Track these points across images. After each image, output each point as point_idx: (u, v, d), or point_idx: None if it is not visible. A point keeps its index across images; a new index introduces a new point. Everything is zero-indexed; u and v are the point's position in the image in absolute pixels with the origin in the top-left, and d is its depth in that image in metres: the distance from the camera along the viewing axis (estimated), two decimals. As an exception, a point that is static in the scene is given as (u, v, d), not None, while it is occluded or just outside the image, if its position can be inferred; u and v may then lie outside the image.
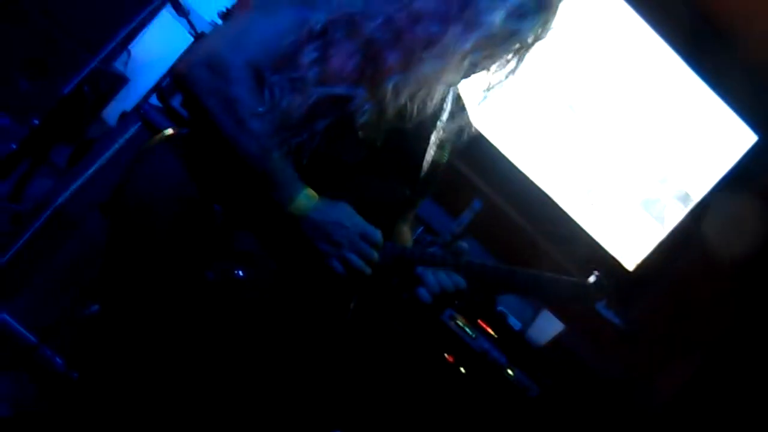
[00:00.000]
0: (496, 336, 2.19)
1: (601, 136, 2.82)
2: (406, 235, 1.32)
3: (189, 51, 1.09)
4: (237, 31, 1.09)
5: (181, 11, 2.47)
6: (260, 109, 1.03)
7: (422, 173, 1.20)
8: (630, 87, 2.79)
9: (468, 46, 1.01)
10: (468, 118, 1.23)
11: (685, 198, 2.88)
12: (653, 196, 2.88)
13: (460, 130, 1.21)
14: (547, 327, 2.44)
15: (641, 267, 2.90)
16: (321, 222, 1.06)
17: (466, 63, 1.04)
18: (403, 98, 1.04)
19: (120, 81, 3.84)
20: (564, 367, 2.27)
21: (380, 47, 1.02)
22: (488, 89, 1.13)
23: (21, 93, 3.28)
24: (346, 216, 1.08)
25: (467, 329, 2.14)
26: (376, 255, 1.10)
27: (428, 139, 1.19)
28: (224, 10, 2.28)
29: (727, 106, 2.75)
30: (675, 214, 2.87)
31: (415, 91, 1.04)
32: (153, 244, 1.06)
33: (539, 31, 1.07)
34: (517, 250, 2.92)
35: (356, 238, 1.08)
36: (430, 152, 1.20)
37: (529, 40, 1.07)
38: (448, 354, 2.08)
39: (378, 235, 1.10)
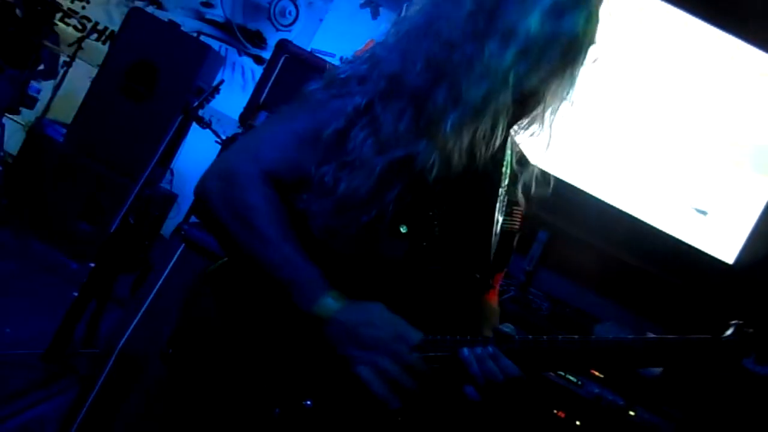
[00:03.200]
0: (602, 376, 1.98)
1: (654, 131, 2.62)
2: (493, 319, 1.14)
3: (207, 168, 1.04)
4: (251, 140, 1.06)
5: (203, 123, 2.52)
6: (279, 215, 0.97)
7: (492, 250, 1.07)
8: (679, 75, 2.61)
9: (509, 58, 0.92)
10: (533, 175, 1.13)
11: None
12: (729, 183, 2.63)
13: (527, 191, 1.12)
14: None
15: (743, 257, 2.63)
16: (348, 323, 0.93)
17: (511, 78, 0.93)
18: (465, 137, 0.95)
19: (169, 199, 3.96)
20: (692, 392, 2.01)
21: (427, 91, 0.95)
22: (548, 118, 1.03)
23: (82, 236, 3.44)
24: (378, 316, 0.94)
25: (569, 376, 1.94)
26: (414, 358, 0.93)
27: (492, 211, 1.07)
28: (242, 111, 2.29)
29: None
30: (760, 195, 2.60)
31: (474, 125, 0.95)
32: (215, 393, 0.99)
33: (584, 31, 0.95)
34: (597, 272, 2.72)
35: (390, 341, 0.93)
36: (497, 225, 1.08)
37: (577, 43, 0.95)
38: (557, 410, 1.88)
39: (416, 336, 0.94)
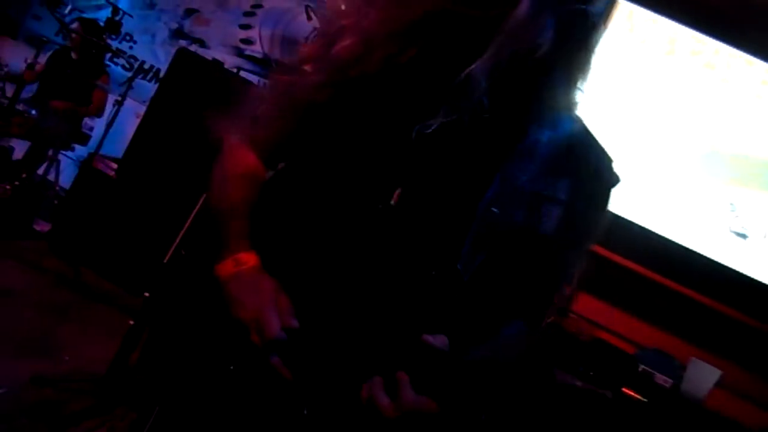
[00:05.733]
0: (647, 401, 1.99)
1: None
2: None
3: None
4: None
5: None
6: (239, 181, 1.01)
7: (469, 246, 0.81)
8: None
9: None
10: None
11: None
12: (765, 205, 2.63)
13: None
14: (702, 377, 2.21)
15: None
16: (230, 293, 0.93)
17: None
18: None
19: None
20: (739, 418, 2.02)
21: None
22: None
23: (135, 267, 3.59)
24: (252, 296, 0.91)
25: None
26: (263, 352, 0.86)
27: (475, 196, 0.82)
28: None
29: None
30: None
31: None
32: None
33: None
34: (638, 296, 2.73)
35: (249, 323, 0.89)
36: (486, 216, 0.82)
37: None
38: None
39: (268, 327, 0.86)
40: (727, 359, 2.55)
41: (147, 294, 2.53)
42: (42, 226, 3.99)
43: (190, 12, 5.03)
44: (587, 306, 2.78)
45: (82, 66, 4.11)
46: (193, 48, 4.87)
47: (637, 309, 2.74)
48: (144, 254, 3.40)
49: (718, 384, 2.24)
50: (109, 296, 3.48)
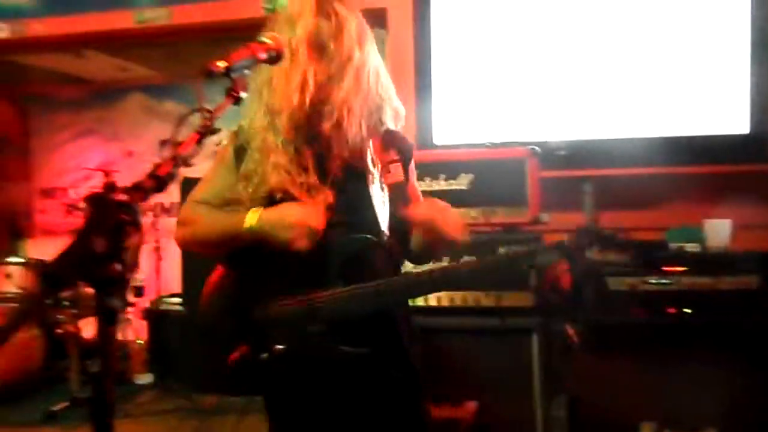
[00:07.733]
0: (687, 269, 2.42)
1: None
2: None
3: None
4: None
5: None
6: (215, 212, 1.44)
7: (374, 215, 1.38)
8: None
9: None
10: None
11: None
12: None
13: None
14: (718, 231, 2.58)
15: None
16: (267, 220, 1.32)
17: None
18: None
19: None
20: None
21: None
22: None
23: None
24: (286, 211, 1.32)
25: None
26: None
27: (367, 188, 1.40)
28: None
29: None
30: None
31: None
32: None
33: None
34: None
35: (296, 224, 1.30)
36: (375, 200, 1.40)
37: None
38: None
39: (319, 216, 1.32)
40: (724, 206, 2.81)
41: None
42: (143, 379, 4.40)
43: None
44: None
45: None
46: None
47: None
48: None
49: (732, 229, 2.62)
50: (234, 405, 3.83)
